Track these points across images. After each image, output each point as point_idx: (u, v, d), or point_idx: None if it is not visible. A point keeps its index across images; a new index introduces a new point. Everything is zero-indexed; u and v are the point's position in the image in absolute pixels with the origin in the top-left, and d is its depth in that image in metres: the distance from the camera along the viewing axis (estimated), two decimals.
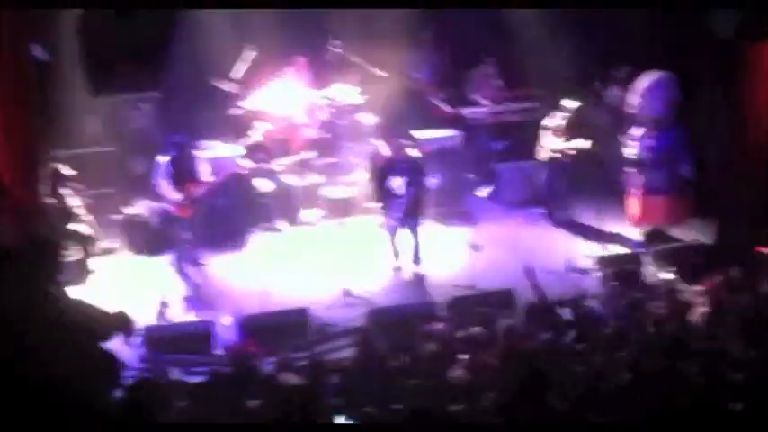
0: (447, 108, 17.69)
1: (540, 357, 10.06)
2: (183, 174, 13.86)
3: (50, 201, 13.66)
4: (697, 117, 15.50)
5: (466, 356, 10.50)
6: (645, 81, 15.19)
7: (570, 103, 15.79)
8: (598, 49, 17.28)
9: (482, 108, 17.70)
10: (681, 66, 15.51)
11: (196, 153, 14.38)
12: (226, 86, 16.79)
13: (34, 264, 8.45)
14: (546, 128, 15.91)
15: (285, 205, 15.71)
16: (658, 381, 9.31)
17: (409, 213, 14.11)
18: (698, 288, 12.85)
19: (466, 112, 17.63)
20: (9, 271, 8.35)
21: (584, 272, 14.17)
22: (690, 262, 13.98)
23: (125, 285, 13.68)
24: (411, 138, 15.70)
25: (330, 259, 14.41)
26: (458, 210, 15.94)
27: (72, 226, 14.05)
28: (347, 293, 13.53)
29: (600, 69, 17.34)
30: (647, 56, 16.04)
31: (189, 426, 8.36)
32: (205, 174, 14.03)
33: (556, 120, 15.86)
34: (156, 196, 14.36)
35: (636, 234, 15.32)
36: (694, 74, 15.61)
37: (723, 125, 14.81)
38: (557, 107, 15.96)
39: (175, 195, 13.80)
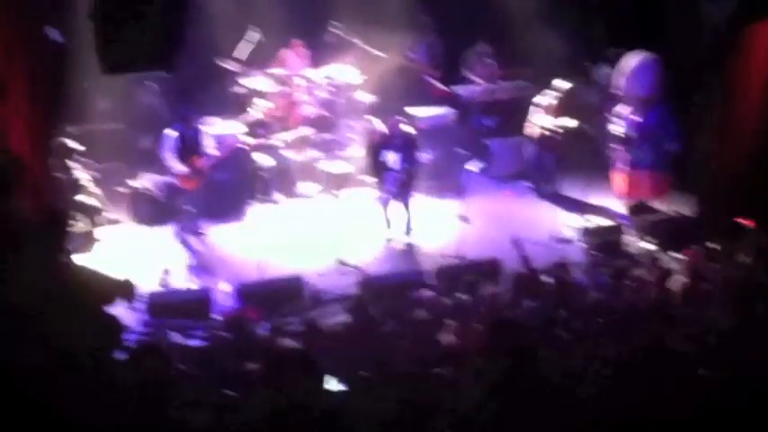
0: (441, 86, 17.98)
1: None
2: (188, 147, 14.30)
3: (60, 174, 14.04)
4: (683, 96, 15.81)
5: (453, 323, 11.01)
6: (630, 62, 15.53)
7: (560, 83, 16.18)
8: (589, 30, 17.56)
9: (475, 86, 17.99)
10: (671, 47, 15.83)
11: (202, 128, 14.79)
12: (229, 65, 17.16)
13: (44, 233, 8.66)
14: (536, 105, 16.32)
15: (284, 179, 16.06)
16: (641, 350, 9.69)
17: (403, 187, 14.52)
18: (678, 258, 13.31)
19: (460, 90, 17.94)
20: (20, 240, 8.57)
21: (569, 242, 14.61)
22: (671, 233, 14.44)
23: (129, 254, 13.92)
24: (406, 115, 16.13)
25: (325, 230, 14.74)
26: (449, 183, 16.28)
27: (80, 198, 14.33)
28: (341, 262, 13.92)
29: (590, 50, 17.66)
30: (637, 37, 16.38)
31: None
32: (210, 148, 14.49)
33: (546, 98, 16.27)
34: (163, 168, 14.80)
35: (621, 207, 15.73)
36: (685, 55, 15.91)
37: (709, 105, 15.14)
38: (547, 86, 16.38)
39: (181, 168, 14.27)
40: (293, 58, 17.42)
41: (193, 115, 14.61)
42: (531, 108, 16.36)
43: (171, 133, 14.33)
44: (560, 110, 16.12)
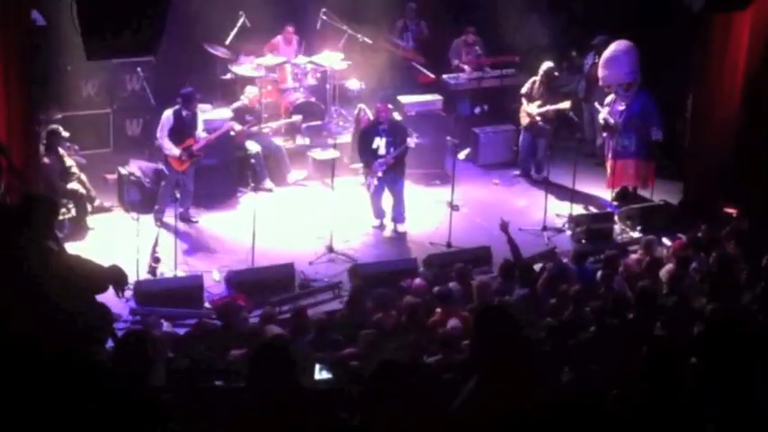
0: (429, 74, 17.95)
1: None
2: (183, 129, 14.34)
3: (47, 160, 14.01)
4: (667, 83, 15.91)
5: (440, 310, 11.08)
6: (606, 52, 15.64)
7: (546, 70, 16.22)
8: (575, 17, 17.65)
9: (463, 74, 17.98)
10: (653, 34, 15.92)
11: (198, 111, 14.77)
12: (218, 51, 17.15)
13: (33, 221, 8.64)
14: (523, 93, 16.37)
15: (273, 166, 16.04)
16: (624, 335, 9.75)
17: (391, 173, 14.54)
18: (664, 246, 13.40)
19: (447, 77, 17.93)
20: (8, 228, 8.55)
21: (557, 230, 14.71)
22: (656, 221, 14.55)
23: (118, 241, 13.80)
24: (394, 102, 16.14)
25: (315, 217, 14.73)
26: (438, 171, 16.33)
27: (68, 185, 14.25)
28: (330, 250, 13.97)
29: (576, 38, 17.76)
30: (622, 25, 16.46)
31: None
32: (203, 131, 14.53)
33: (528, 87, 16.32)
34: (152, 154, 14.74)
35: (607, 195, 15.78)
36: (666, 42, 16.01)
37: (691, 91, 15.25)
38: (534, 74, 16.39)
39: (174, 150, 14.27)
40: (284, 45, 17.41)
41: (194, 96, 14.57)
42: (520, 96, 16.42)
43: (168, 114, 14.36)
44: (542, 92, 16.15)
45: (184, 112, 14.40)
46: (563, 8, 17.66)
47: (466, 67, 18.01)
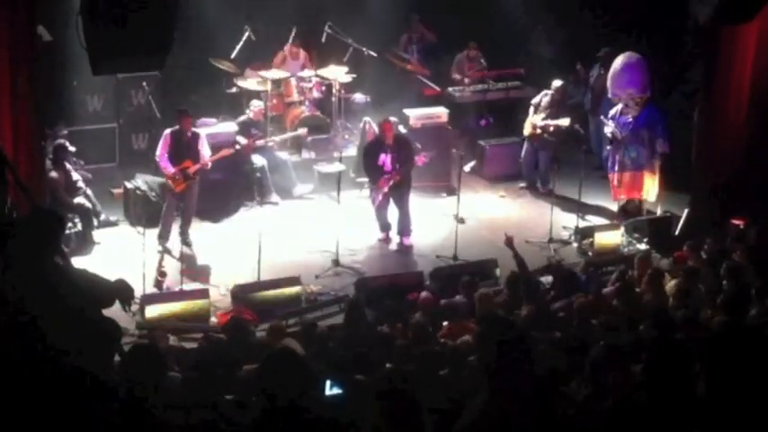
0: (435, 87, 17.98)
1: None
2: (180, 149, 14.23)
3: (54, 174, 14.05)
4: (674, 95, 15.91)
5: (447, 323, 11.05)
6: (616, 63, 15.61)
7: (553, 83, 16.23)
8: (580, 30, 17.67)
9: (468, 87, 18.02)
10: (660, 46, 15.93)
11: (199, 130, 14.68)
12: (224, 65, 17.19)
13: (38, 235, 8.64)
14: (530, 106, 16.38)
15: (279, 179, 16.07)
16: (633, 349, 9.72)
17: (397, 187, 14.53)
18: (670, 259, 13.36)
19: (452, 90, 17.96)
20: (14, 242, 8.55)
21: (563, 243, 14.70)
22: (663, 233, 14.52)
23: (124, 256, 13.80)
24: (400, 115, 16.16)
25: (321, 231, 14.73)
26: (443, 183, 16.32)
27: (75, 199, 14.30)
28: (337, 263, 13.96)
29: (582, 50, 17.77)
30: (628, 37, 16.47)
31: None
32: (204, 152, 14.36)
33: (540, 97, 16.33)
34: (157, 169, 14.80)
35: (613, 207, 15.80)
36: (673, 54, 16.02)
37: (698, 103, 15.23)
38: (540, 86, 16.42)
39: (170, 168, 14.21)
40: (290, 60, 17.43)
41: (183, 113, 14.42)
42: (528, 108, 16.42)
43: (166, 132, 14.31)
44: (552, 108, 16.15)
45: (187, 132, 14.29)
46: (568, 21, 17.64)
47: (471, 79, 18.01)
